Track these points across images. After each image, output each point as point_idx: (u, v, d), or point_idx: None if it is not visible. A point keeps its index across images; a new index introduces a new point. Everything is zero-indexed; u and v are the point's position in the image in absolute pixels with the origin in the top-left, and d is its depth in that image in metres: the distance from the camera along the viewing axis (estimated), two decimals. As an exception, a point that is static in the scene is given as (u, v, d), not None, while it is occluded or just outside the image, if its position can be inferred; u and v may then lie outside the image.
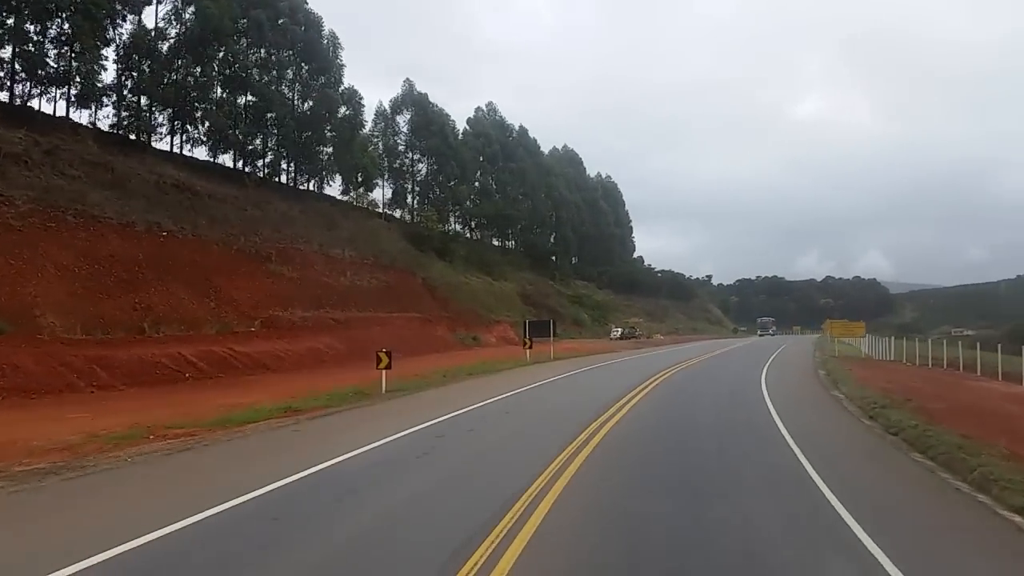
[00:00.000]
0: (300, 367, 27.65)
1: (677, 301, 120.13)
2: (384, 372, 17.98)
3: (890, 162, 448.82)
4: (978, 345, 26.15)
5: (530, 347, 31.23)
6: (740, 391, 19.06)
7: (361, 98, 55.70)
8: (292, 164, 54.67)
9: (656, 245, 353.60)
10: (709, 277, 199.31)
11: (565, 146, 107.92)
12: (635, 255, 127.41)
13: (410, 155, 68.25)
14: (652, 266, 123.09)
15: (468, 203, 75.90)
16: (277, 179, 53.66)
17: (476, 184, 77.41)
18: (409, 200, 68.55)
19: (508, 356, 32.44)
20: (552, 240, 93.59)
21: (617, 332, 66.40)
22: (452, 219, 74.67)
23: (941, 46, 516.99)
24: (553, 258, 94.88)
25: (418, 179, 68.82)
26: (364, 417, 14.30)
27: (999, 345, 26.50)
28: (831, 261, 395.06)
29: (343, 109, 56.07)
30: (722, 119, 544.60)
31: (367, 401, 16.72)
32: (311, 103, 54.20)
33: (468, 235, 77.55)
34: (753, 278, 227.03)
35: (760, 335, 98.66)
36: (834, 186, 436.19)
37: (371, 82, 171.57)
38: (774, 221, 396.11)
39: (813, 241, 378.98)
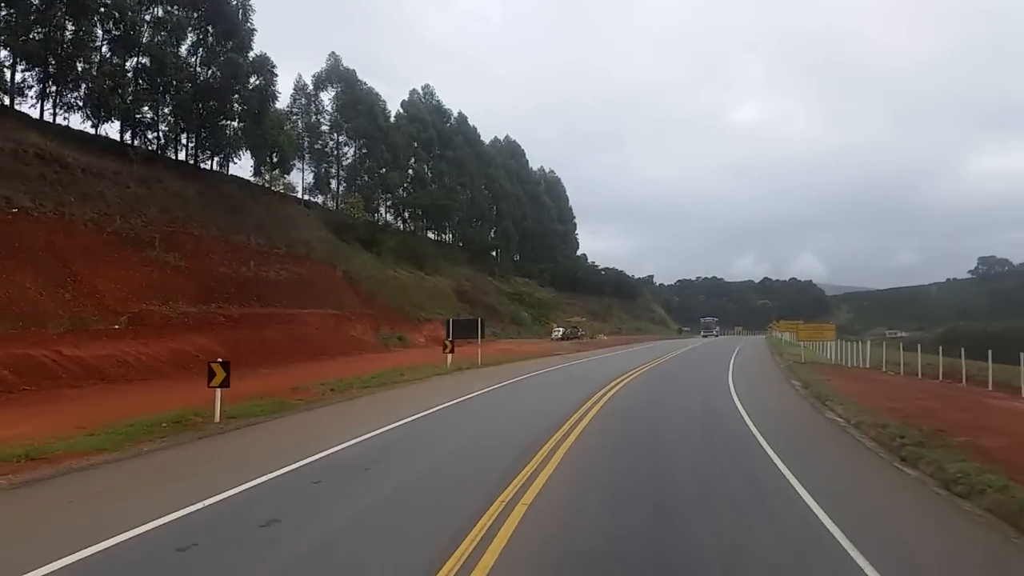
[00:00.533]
0: (151, 376, 21.77)
1: (621, 300, 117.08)
2: (219, 392, 12.51)
3: (826, 168, 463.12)
4: (990, 355, 22.33)
5: (451, 351, 26.04)
6: (715, 419, 14.46)
7: (273, 66, 49.29)
8: (191, 138, 47.98)
9: (599, 245, 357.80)
10: (651, 277, 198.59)
11: (507, 137, 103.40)
12: (579, 253, 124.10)
13: (335, 136, 62.05)
14: (596, 264, 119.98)
15: (401, 191, 70.16)
16: (174, 155, 47.01)
17: (410, 172, 71.75)
18: (334, 186, 62.35)
19: (429, 360, 27.28)
20: (492, 234, 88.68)
21: (559, 332, 61.99)
22: (383, 208, 68.75)
23: (878, 56, 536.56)
24: (494, 253, 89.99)
25: (344, 163, 62.66)
26: (130, 478, 8.84)
27: (990, 351, 22.98)
28: (767, 263, 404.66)
29: (253, 79, 49.62)
30: (664, 122, 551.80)
31: (184, 437, 11.30)
32: (216, 71, 47.61)
33: (400, 226, 71.75)
34: (693, 279, 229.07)
35: (704, 335, 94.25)
36: (771, 190, 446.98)
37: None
38: (713, 223, 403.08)
39: (750, 243, 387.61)
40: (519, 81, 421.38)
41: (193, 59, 47.36)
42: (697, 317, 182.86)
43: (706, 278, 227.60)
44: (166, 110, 45.21)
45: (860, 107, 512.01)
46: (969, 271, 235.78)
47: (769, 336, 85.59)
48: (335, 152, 61.79)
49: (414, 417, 13.60)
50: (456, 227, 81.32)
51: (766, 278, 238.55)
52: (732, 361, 35.31)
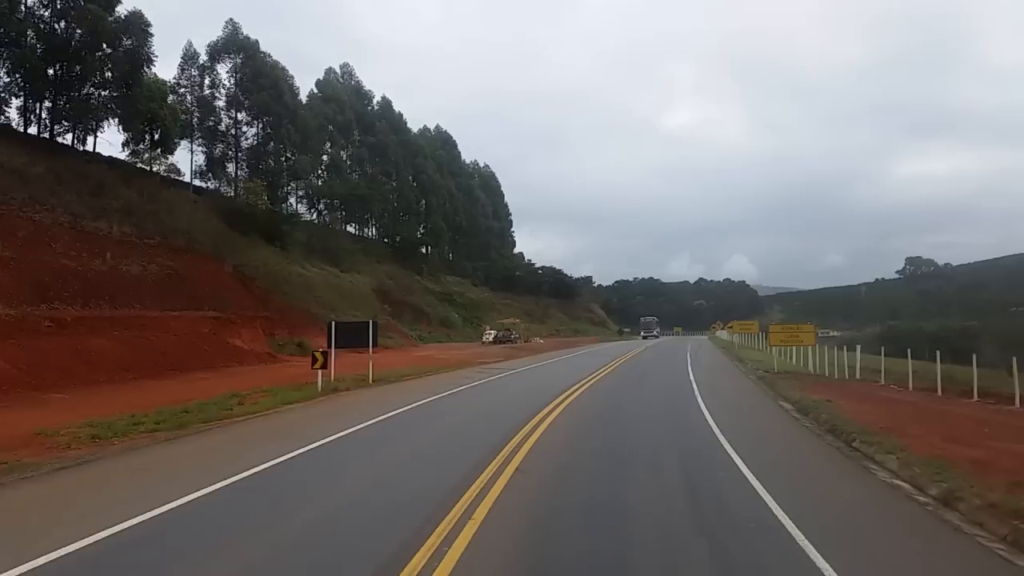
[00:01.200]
0: None
1: (559, 301, 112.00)
2: None
3: (757, 172, 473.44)
4: (977, 359, 17.61)
5: (323, 366, 19.34)
6: (707, 486, 8.48)
7: (148, 25, 41.36)
8: (42, 106, 39.68)
9: (538, 247, 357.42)
10: (589, 278, 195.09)
11: (438, 127, 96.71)
12: (516, 252, 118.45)
13: (234, 114, 54.04)
14: (533, 262, 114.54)
15: (314, 179, 62.56)
16: (23, 126, 38.83)
17: (324, 157, 64.20)
18: (231, 170, 54.31)
19: (304, 377, 20.65)
20: (422, 230, 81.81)
21: (491, 335, 55.87)
22: (293, 198, 61.02)
23: (807, 63, 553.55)
24: (424, 250, 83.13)
25: (244, 145, 54.67)
26: None
27: (974, 355, 18.54)
28: (700, 265, 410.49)
29: (126, 41, 41.59)
30: (601, 124, 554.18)
31: None
32: (74, 26, 39.44)
33: (314, 218, 64.09)
34: (631, 279, 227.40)
35: (644, 337, 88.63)
36: (704, 193, 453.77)
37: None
38: (649, 225, 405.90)
39: (684, 245, 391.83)
40: (456, 81, 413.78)
41: (45, 11, 39.15)
42: (636, 317, 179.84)
43: (643, 279, 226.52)
44: (1, 72, 36.89)
45: (790, 113, 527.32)
46: (897, 271, 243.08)
47: (712, 337, 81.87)
48: (233, 131, 53.76)
49: (188, 499, 7.12)
50: (380, 221, 74.15)
51: (701, 278, 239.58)
52: (691, 371, 29.90)
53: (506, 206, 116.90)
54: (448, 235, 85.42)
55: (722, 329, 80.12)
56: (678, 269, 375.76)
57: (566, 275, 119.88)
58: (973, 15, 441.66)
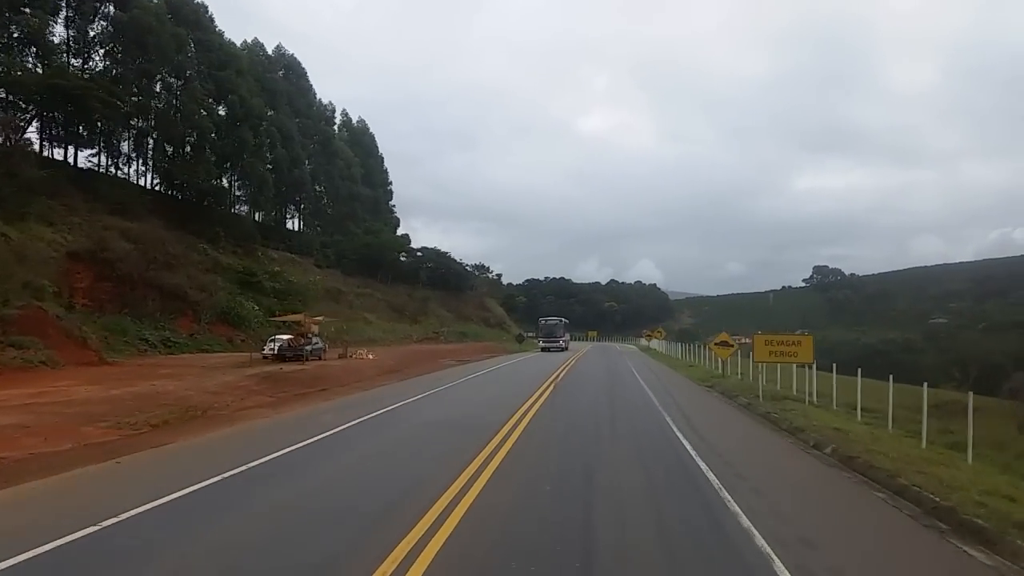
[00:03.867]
0: None
1: (446, 293, 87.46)
2: None
3: (665, 180, 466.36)
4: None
5: None
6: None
7: None
8: None
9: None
10: (486, 267, 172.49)
11: (280, 47, 69.72)
12: (401, 234, 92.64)
13: None
14: (410, 244, 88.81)
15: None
16: None
17: (13, 29, 36.69)
18: None
19: None
20: (226, 177, 55.11)
21: (272, 345, 30.60)
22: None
23: (713, 76, 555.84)
24: (233, 209, 56.46)
25: None
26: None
27: None
28: (609, 268, 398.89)
29: None
30: (517, 124, 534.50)
31: None
32: None
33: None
34: (541, 279, 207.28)
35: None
36: (614, 198, 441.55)
37: None
38: (561, 227, 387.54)
39: (594, 248, 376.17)
40: (371, 71, 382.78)
41: None
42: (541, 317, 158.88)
43: (554, 278, 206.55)
44: None
45: (697, 123, 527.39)
46: (804, 280, 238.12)
47: (646, 349, 61.02)
48: None
49: None
50: (142, 149, 47.12)
51: (613, 280, 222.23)
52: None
53: (385, 172, 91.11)
54: (272, 189, 58.72)
55: (650, 338, 59.73)
56: (587, 272, 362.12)
57: (455, 261, 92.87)
58: (866, 39, 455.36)
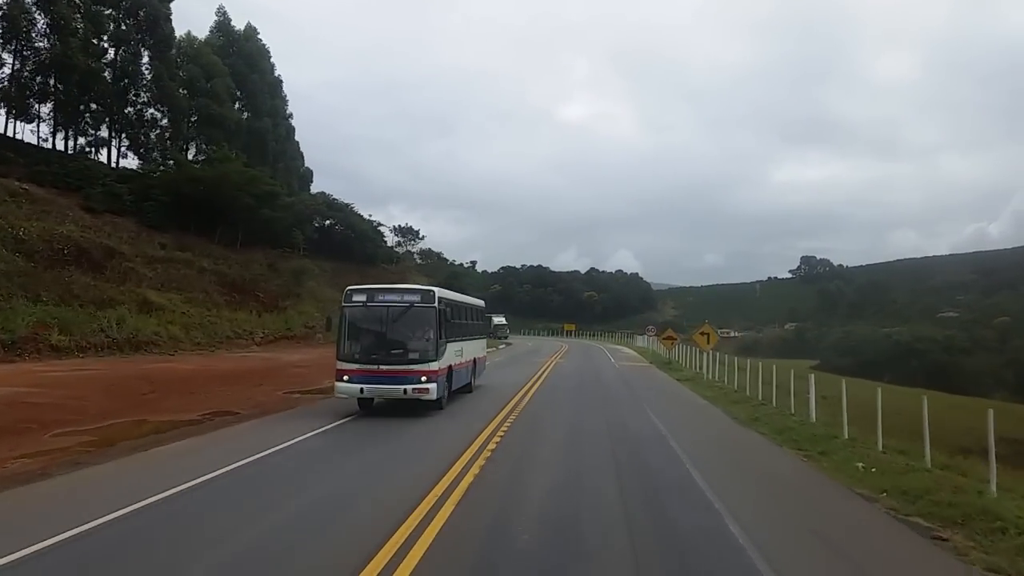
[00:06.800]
0: None
1: (341, 264, 61.34)
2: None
3: (644, 170, 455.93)
4: None
5: None
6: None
7: None
8: None
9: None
10: (474, 263, 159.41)
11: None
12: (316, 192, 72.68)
13: None
14: (299, 191, 65.40)
15: None
16: None
17: None
18: None
19: None
20: None
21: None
22: None
23: (693, 65, 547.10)
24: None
25: None
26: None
27: None
28: (587, 258, 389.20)
29: None
30: (496, 111, 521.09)
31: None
32: None
33: None
34: (518, 267, 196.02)
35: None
36: (593, 187, 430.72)
37: None
38: (539, 216, 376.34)
39: (572, 238, 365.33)
40: (348, 54, 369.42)
41: None
42: (518, 310, 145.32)
43: (531, 266, 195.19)
44: None
45: (677, 113, 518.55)
46: (790, 271, 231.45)
47: (667, 362, 39.15)
48: None
49: None
50: None
51: (593, 268, 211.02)
52: None
53: (283, 100, 69.68)
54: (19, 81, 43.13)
55: (670, 342, 39.56)
56: (566, 261, 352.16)
57: (361, 218, 66.75)
58: (846, 31, 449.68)
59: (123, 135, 54.02)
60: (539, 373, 29.62)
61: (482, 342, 23.49)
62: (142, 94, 53.16)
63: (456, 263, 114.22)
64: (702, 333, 30.37)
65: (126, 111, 52.69)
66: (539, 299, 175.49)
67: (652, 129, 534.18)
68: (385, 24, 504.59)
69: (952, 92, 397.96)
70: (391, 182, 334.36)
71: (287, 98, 70.81)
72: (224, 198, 46.39)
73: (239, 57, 62.09)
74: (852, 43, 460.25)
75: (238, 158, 51.43)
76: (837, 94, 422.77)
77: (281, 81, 70.12)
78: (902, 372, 56.94)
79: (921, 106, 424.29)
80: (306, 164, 76.71)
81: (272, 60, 68.75)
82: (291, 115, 71.92)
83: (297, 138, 73.62)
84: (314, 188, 74.72)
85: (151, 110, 54.22)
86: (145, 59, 53.00)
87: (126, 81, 51.68)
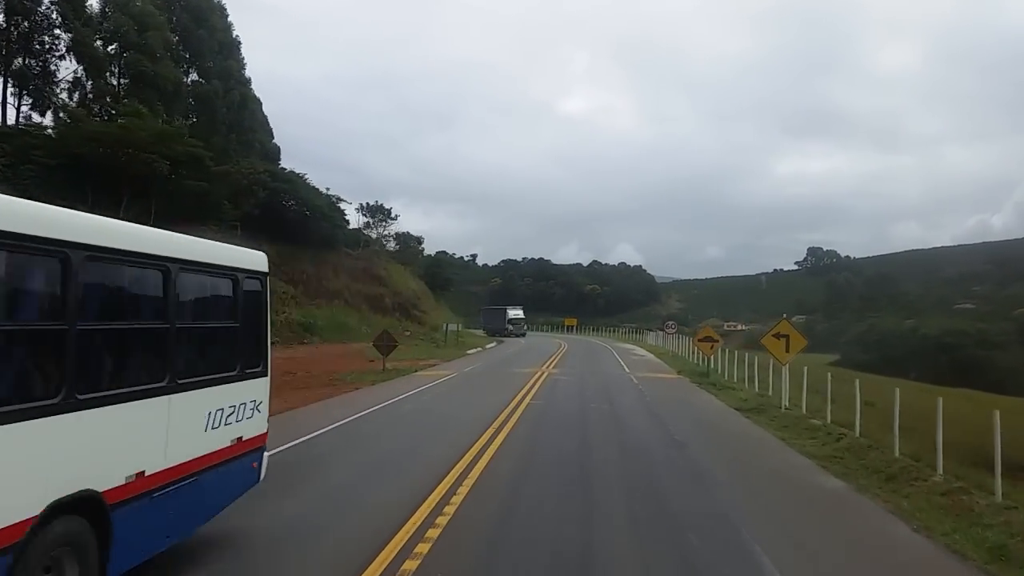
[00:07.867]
0: None
1: (295, 247, 48.37)
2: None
3: (645, 162, 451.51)
4: None
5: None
6: None
7: None
8: None
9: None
10: (474, 257, 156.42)
11: None
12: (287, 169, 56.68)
13: None
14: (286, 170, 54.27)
15: None
16: None
17: None
18: None
19: None
20: None
21: None
22: None
23: (694, 57, 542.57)
24: None
25: None
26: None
27: None
28: (588, 252, 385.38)
29: None
30: (496, 104, 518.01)
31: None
32: None
33: None
34: (519, 259, 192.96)
35: None
36: (594, 180, 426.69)
37: None
38: (540, 209, 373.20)
39: (574, 231, 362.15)
40: (348, 48, 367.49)
41: None
42: (520, 304, 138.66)
43: (533, 259, 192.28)
44: None
45: (678, 107, 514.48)
46: (796, 262, 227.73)
47: (702, 374, 29.90)
48: None
49: None
50: None
51: (595, 261, 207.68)
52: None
53: (241, 62, 58.63)
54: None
55: (711, 346, 30.98)
56: (566, 255, 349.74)
57: (317, 191, 54.75)
58: (848, 22, 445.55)
59: (23, 92, 43.12)
60: (511, 406, 17.98)
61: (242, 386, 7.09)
62: (47, 41, 42.21)
63: (456, 256, 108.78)
64: (777, 335, 19.27)
65: (26, 62, 42.06)
66: (541, 292, 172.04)
67: (653, 121, 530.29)
68: (384, 17, 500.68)
69: (954, 83, 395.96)
70: (391, 176, 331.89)
71: (245, 61, 59.12)
72: (134, 162, 35.92)
73: (185, 11, 52.63)
74: (854, 34, 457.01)
75: (155, 114, 41.64)
76: (839, 85, 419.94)
77: (239, 43, 58.56)
78: (929, 368, 52.62)
79: (923, 97, 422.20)
80: (274, 140, 63.71)
81: (229, 19, 57.31)
82: (250, 80, 59.86)
83: (267, 111, 62.03)
84: (317, 183, 64.56)
85: (64, 63, 43.36)
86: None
87: (24, 23, 40.78)
